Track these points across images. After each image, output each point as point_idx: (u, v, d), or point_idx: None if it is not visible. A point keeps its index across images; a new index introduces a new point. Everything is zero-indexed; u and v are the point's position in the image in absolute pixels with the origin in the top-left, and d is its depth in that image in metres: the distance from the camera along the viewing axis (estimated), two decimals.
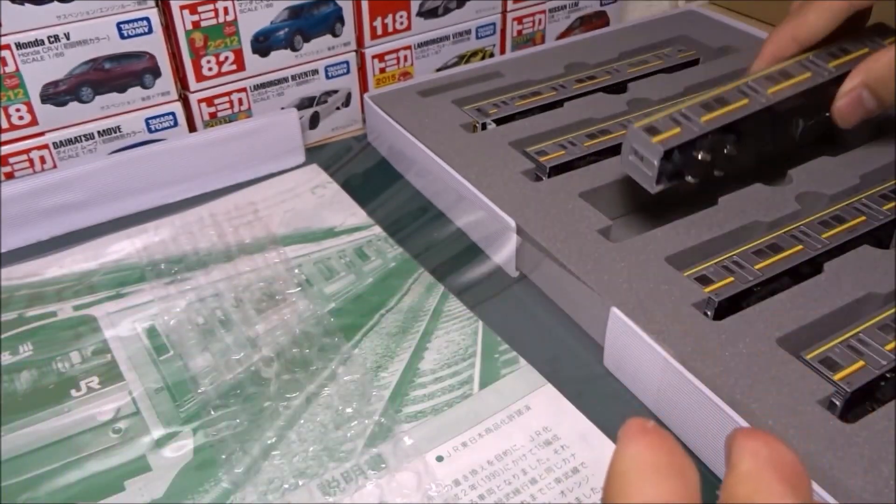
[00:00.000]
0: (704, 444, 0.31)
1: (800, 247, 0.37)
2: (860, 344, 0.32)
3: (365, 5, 0.50)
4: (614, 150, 0.46)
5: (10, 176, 0.45)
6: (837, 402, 0.30)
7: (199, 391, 0.34)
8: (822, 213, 0.39)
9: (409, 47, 0.54)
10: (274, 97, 0.50)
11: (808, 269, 0.37)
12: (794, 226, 0.39)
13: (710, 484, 0.30)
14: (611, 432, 0.32)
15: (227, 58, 0.47)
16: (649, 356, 0.32)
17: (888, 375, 0.31)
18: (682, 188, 0.38)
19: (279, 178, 0.48)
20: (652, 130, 0.35)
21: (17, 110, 0.43)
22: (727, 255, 0.37)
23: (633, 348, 0.33)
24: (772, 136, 0.40)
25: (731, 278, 0.35)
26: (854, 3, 0.39)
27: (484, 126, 0.48)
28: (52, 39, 0.42)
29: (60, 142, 0.45)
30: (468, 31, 0.56)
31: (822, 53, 0.42)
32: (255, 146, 0.48)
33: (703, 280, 0.35)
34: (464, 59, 0.57)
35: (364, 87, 0.54)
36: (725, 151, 0.38)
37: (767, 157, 0.41)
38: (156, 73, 0.46)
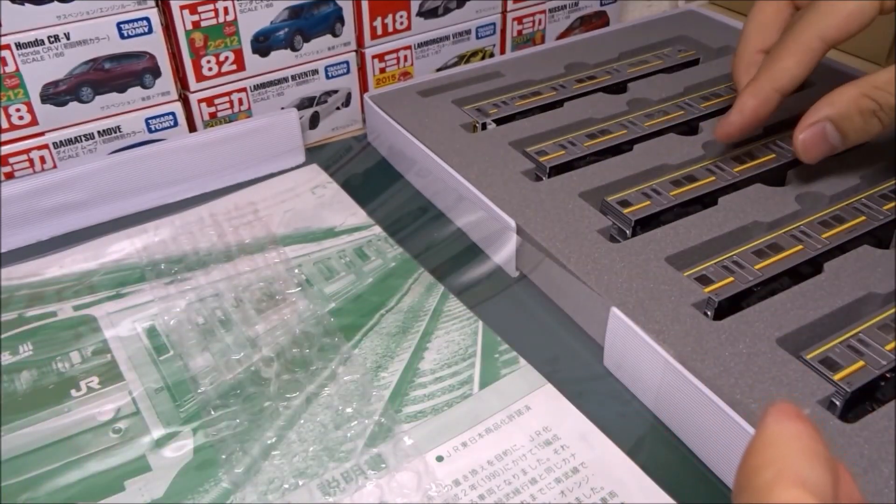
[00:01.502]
0: (704, 443, 0.31)
1: (800, 247, 0.37)
2: (860, 344, 0.32)
3: (365, 5, 0.50)
4: (614, 150, 0.46)
5: (10, 176, 0.45)
6: (837, 402, 0.30)
7: (199, 391, 0.34)
8: (822, 213, 0.39)
9: (409, 47, 0.54)
10: (274, 97, 0.50)
11: (808, 269, 0.37)
12: (794, 226, 0.39)
13: (710, 484, 0.30)
14: (611, 432, 0.32)
15: (227, 58, 0.47)
16: (649, 356, 0.32)
17: (888, 375, 0.31)
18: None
19: (279, 178, 0.48)
20: (624, 203, 0.40)
21: (17, 110, 0.43)
22: (727, 255, 0.37)
23: (633, 348, 0.33)
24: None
25: (731, 278, 0.35)
26: (828, 41, 0.37)
27: (484, 126, 0.48)
28: (52, 39, 0.42)
29: (60, 142, 0.45)
30: (468, 31, 0.56)
31: (787, 137, 0.44)
32: (255, 146, 0.48)
33: (703, 280, 0.35)
34: (464, 59, 0.57)
35: (364, 87, 0.54)
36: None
37: None
38: (156, 73, 0.46)
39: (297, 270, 0.41)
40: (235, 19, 0.46)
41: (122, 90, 0.45)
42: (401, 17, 0.52)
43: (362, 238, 0.43)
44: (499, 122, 0.49)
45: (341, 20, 0.50)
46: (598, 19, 0.63)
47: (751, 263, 0.36)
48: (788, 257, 0.37)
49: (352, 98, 0.54)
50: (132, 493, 0.30)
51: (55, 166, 0.46)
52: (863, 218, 0.39)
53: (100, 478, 0.30)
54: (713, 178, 0.42)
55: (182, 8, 0.44)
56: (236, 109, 0.49)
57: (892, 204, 0.40)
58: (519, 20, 0.58)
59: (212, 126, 0.49)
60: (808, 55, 0.37)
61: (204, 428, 0.32)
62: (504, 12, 0.57)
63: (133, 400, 0.34)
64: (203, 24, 0.45)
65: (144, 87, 0.46)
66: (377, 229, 0.44)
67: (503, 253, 0.41)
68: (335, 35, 0.51)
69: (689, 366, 0.31)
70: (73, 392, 0.34)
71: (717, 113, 0.49)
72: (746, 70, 0.41)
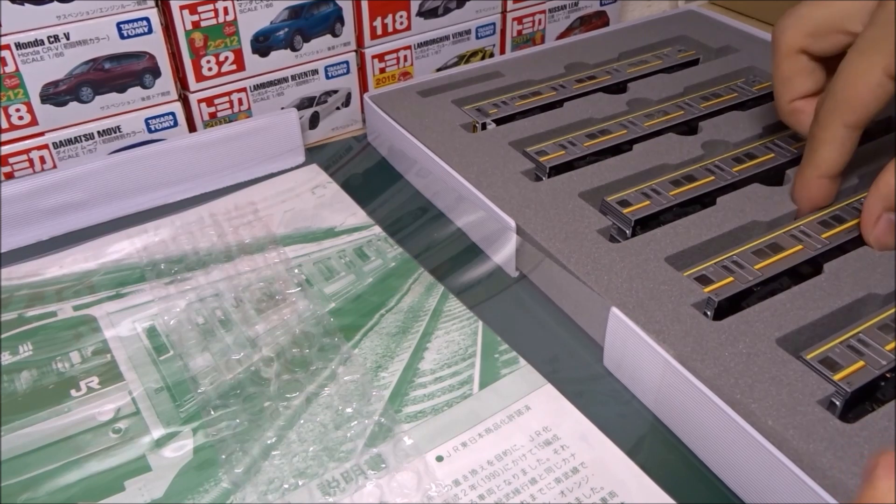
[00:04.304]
0: (704, 444, 0.31)
1: (799, 246, 0.37)
2: (860, 344, 0.32)
3: (365, 5, 0.50)
4: (614, 150, 0.46)
5: (10, 176, 0.45)
6: (837, 402, 0.30)
7: (199, 391, 0.34)
8: (821, 212, 0.39)
9: (409, 47, 0.54)
10: (274, 97, 0.50)
11: (807, 268, 0.37)
12: (794, 225, 0.39)
13: (709, 483, 0.30)
14: (611, 432, 0.32)
15: (227, 58, 0.47)
16: (649, 356, 0.32)
17: (888, 375, 0.31)
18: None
19: (279, 178, 0.48)
20: (624, 203, 0.40)
21: (17, 110, 0.43)
22: (727, 255, 0.37)
23: (633, 348, 0.33)
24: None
25: (731, 278, 0.35)
26: (855, 126, 0.36)
27: (484, 126, 0.48)
28: (52, 39, 0.42)
29: (60, 142, 0.45)
30: (468, 31, 0.56)
31: (786, 136, 0.45)
32: (255, 146, 0.48)
33: (703, 280, 0.36)
34: (464, 59, 0.57)
35: (364, 87, 0.54)
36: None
37: None
38: (156, 73, 0.46)
39: (297, 270, 0.41)
40: (235, 19, 0.46)
41: (122, 90, 0.45)
42: (401, 17, 0.52)
43: (362, 238, 0.43)
44: (499, 122, 0.49)
45: (341, 20, 0.50)
46: (598, 19, 0.63)
47: (751, 263, 0.36)
48: (788, 257, 0.37)
49: (352, 98, 0.54)
50: (132, 493, 0.30)
51: (55, 166, 0.46)
52: None
53: (100, 478, 0.30)
54: (712, 177, 0.42)
55: (182, 8, 0.44)
56: (236, 109, 0.49)
57: None
58: (519, 20, 0.58)
59: (212, 126, 0.49)
60: (840, 142, 0.37)
61: (204, 428, 0.32)
62: (504, 12, 0.57)
63: (133, 400, 0.34)
64: (203, 24, 0.45)
65: (144, 87, 0.46)
66: (377, 229, 0.44)
67: (503, 253, 0.41)
68: (335, 35, 0.51)
69: (689, 366, 0.31)
70: (73, 392, 0.34)
71: (717, 113, 0.49)
72: (788, 120, 0.40)
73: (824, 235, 0.38)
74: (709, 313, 0.34)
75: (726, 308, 0.34)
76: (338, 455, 0.31)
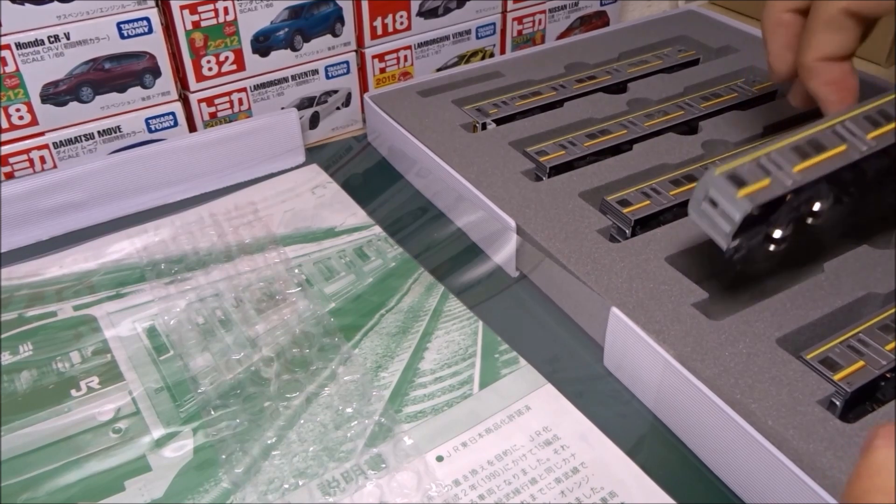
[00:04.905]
0: (704, 444, 0.31)
1: (843, 146, 0.31)
2: (860, 344, 0.32)
3: (365, 5, 0.50)
4: (614, 150, 0.46)
5: (10, 176, 0.45)
6: (837, 402, 0.30)
7: (199, 391, 0.34)
8: (861, 108, 0.33)
9: (409, 47, 0.54)
10: (274, 97, 0.50)
11: (849, 174, 0.31)
12: (837, 120, 0.32)
13: (709, 483, 0.30)
14: (611, 432, 0.32)
15: (227, 58, 0.47)
16: (649, 356, 0.32)
17: (888, 375, 0.31)
18: None
19: (279, 178, 0.48)
20: (736, 179, 0.29)
21: (17, 110, 0.43)
22: (762, 152, 0.31)
23: (633, 348, 0.33)
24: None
25: (769, 179, 0.30)
26: (865, 13, 0.32)
27: (484, 126, 0.48)
28: (52, 39, 0.42)
29: (60, 142, 0.45)
30: (468, 31, 0.56)
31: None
32: (255, 146, 0.48)
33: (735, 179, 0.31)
34: (464, 59, 0.57)
35: (364, 87, 0.54)
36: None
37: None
38: (156, 73, 0.46)
39: (297, 270, 0.41)
40: (235, 19, 0.46)
41: (122, 90, 0.45)
42: (401, 17, 0.52)
43: (362, 238, 0.43)
44: (499, 122, 0.49)
45: (341, 20, 0.50)
46: (598, 19, 0.63)
47: (790, 165, 0.30)
48: (829, 160, 0.31)
49: (352, 98, 0.54)
50: (132, 493, 0.30)
51: (55, 166, 0.46)
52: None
53: (100, 478, 0.30)
54: None
55: (182, 8, 0.44)
56: (236, 109, 0.49)
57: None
58: (519, 20, 0.58)
59: (212, 126, 0.49)
60: (839, 26, 0.32)
61: (204, 428, 0.32)
62: (504, 12, 0.57)
63: (133, 400, 0.34)
64: (203, 24, 0.45)
65: (144, 87, 0.46)
66: (377, 229, 0.44)
67: (503, 253, 0.41)
68: (335, 35, 0.51)
69: (689, 366, 0.31)
70: (73, 392, 0.34)
71: (717, 113, 0.49)
72: (774, 30, 0.36)
73: (870, 136, 0.32)
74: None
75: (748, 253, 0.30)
76: (338, 455, 0.31)
